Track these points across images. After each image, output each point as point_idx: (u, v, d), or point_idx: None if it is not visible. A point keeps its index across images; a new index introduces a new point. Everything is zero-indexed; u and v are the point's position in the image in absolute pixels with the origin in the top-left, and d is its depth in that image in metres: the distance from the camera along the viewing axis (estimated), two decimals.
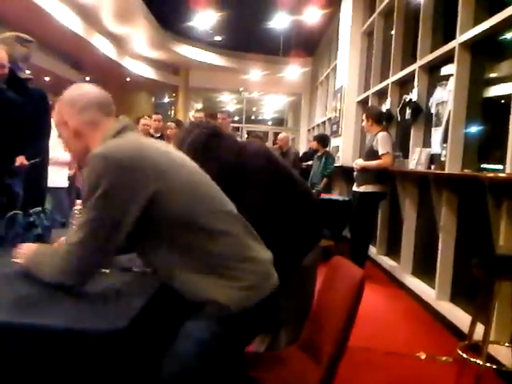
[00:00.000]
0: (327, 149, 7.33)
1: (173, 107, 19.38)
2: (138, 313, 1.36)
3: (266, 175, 2.21)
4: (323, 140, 7.30)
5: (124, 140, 1.47)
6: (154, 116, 6.16)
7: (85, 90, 1.58)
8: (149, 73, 16.19)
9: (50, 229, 2.18)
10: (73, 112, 1.51)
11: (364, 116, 5.09)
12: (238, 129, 15.90)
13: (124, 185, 1.36)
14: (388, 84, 5.88)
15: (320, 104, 11.87)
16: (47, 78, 12.95)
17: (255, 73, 15.25)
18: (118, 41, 13.66)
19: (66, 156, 4.86)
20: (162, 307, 1.65)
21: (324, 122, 10.52)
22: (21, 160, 3.21)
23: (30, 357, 1.23)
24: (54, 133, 4.73)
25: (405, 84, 5.53)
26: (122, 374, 1.24)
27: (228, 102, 20.62)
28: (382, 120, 5.09)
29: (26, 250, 1.62)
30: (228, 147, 2.24)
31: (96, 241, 1.39)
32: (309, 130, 13.79)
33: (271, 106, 21.27)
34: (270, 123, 22.82)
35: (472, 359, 2.57)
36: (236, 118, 17.38)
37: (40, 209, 2.19)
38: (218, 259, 1.42)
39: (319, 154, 7.14)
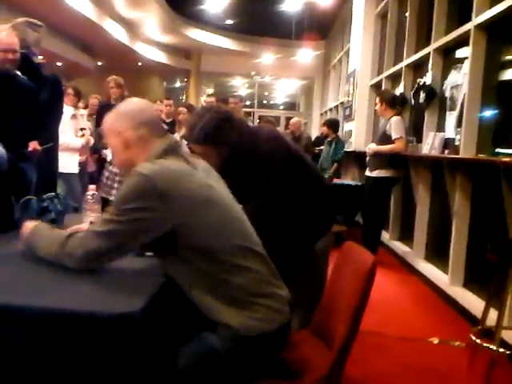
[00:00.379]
0: (338, 134, 7.29)
1: (184, 92, 19.36)
2: (151, 297, 1.37)
3: (278, 160, 2.20)
4: (333, 125, 7.27)
5: (168, 166, 1.49)
6: (165, 101, 6.14)
7: (144, 107, 1.63)
8: (160, 57, 16.15)
9: (64, 213, 2.20)
10: (129, 125, 1.56)
11: (378, 99, 5.03)
12: (249, 114, 15.84)
13: (155, 209, 1.42)
14: (402, 67, 5.80)
15: (333, 88, 11.76)
16: (59, 63, 12.97)
17: (267, 56, 15.13)
18: (129, 25, 13.63)
19: (77, 142, 4.89)
20: (175, 292, 1.66)
21: (336, 107, 10.44)
22: (34, 145, 3.23)
23: (43, 341, 1.24)
24: (65, 118, 4.77)
25: (419, 67, 5.45)
26: (135, 358, 1.25)
27: (240, 86, 20.53)
28: (396, 104, 5.03)
29: (27, 229, 1.68)
30: (240, 132, 2.23)
31: (111, 242, 1.46)
32: (321, 115, 13.69)
33: (283, 90, 21.14)
34: (281, 107, 22.71)
35: (485, 344, 2.57)
36: (248, 103, 17.32)
37: (53, 194, 2.21)
38: (236, 290, 1.46)
39: (329, 139, 7.12)
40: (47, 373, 1.25)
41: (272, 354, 1.54)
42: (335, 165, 6.86)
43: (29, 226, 1.70)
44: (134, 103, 1.66)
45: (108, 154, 4.81)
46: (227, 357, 1.46)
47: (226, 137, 2.16)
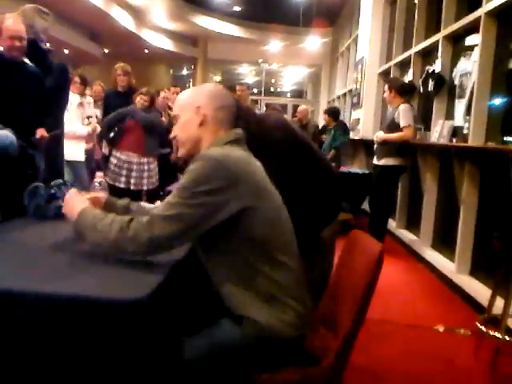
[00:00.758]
0: (339, 121, 7.28)
1: (191, 79, 19.30)
2: (160, 283, 1.38)
3: (286, 148, 2.20)
4: (334, 113, 7.27)
5: (235, 152, 1.51)
6: (173, 88, 6.12)
7: (227, 94, 1.66)
8: (167, 45, 16.09)
9: None
10: (212, 104, 1.57)
11: (386, 87, 4.99)
12: (256, 101, 15.78)
13: (224, 192, 1.41)
14: (410, 55, 5.75)
15: (340, 75, 11.68)
16: (66, 51, 12.96)
17: (274, 44, 15.04)
18: (136, 12, 13.57)
19: (84, 130, 4.90)
20: (184, 277, 1.68)
21: (344, 94, 10.38)
22: (41, 132, 3.24)
23: (52, 325, 1.26)
24: (72, 107, 4.78)
25: (428, 55, 5.40)
26: (144, 343, 1.27)
27: (247, 73, 20.45)
28: (405, 92, 4.99)
29: (73, 205, 1.60)
30: (247, 120, 2.22)
31: (179, 226, 1.43)
32: (328, 102, 13.61)
33: (290, 77, 21.03)
34: (289, 95, 22.60)
35: (491, 332, 2.57)
36: (255, 91, 17.24)
37: (61, 181, 2.22)
38: (272, 286, 1.47)
39: (330, 127, 7.15)
40: (55, 358, 1.27)
41: (288, 357, 1.55)
42: (332, 151, 6.83)
43: (73, 203, 1.61)
44: (219, 87, 1.67)
45: (104, 148, 4.83)
46: (243, 351, 1.48)
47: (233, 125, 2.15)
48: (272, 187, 1.59)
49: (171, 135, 1.66)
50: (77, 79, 5.03)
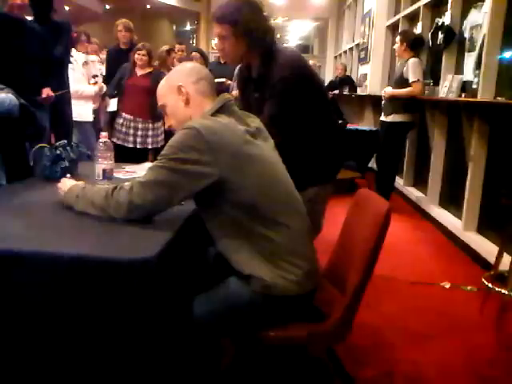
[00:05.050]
0: None
1: (194, 35, 18.92)
2: (168, 242, 1.39)
3: (288, 86, 2.05)
4: None
5: (218, 121, 1.52)
6: (178, 46, 6.01)
7: (200, 66, 1.76)
8: None
9: (77, 162, 2.20)
10: (189, 80, 1.62)
11: (398, 39, 4.86)
12: None
13: (203, 161, 1.43)
14: (419, 7, 5.57)
15: (347, 29, 11.39)
16: (67, 8, 12.68)
17: None
18: None
19: (91, 89, 4.83)
20: (192, 236, 1.68)
21: (351, 49, 10.15)
22: (47, 91, 3.21)
23: (59, 286, 1.27)
24: (77, 66, 4.71)
25: (437, 6, 5.24)
26: (154, 302, 1.28)
27: None
28: (417, 46, 4.87)
29: (64, 186, 1.70)
30: (263, 48, 2.10)
31: (158, 191, 1.48)
32: (335, 57, 13.34)
33: (296, 32, 20.57)
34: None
35: (497, 289, 2.59)
36: None
37: (66, 142, 2.21)
38: (271, 246, 1.49)
39: None
40: (63, 320, 1.28)
41: (295, 315, 1.57)
42: None
43: (67, 183, 1.71)
44: (190, 64, 1.78)
45: (111, 103, 4.78)
46: (251, 309, 1.51)
47: (247, 24, 2.03)
48: (265, 152, 1.57)
49: (166, 126, 1.70)
50: (84, 37, 4.95)
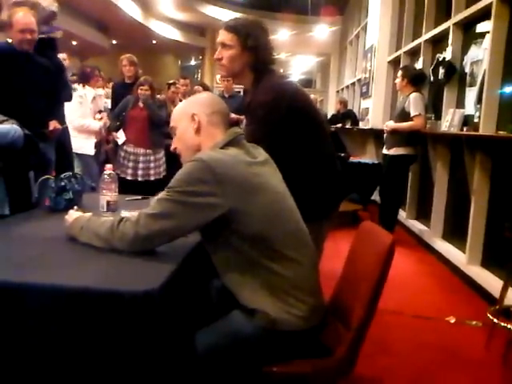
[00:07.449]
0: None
1: (199, 70, 19.24)
2: (171, 275, 1.38)
3: (265, 111, 2.00)
4: None
5: (227, 153, 1.53)
6: (182, 81, 6.10)
7: (218, 99, 1.76)
8: (175, 35, 16.03)
9: (81, 193, 2.22)
10: (204, 110, 1.64)
11: (399, 74, 4.94)
12: None
13: (211, 194, 1.44)
14: (420, 42, 5.67)
15: (349, 64, 11.58)
16: (74, 43, 12.96)
17: (283, 33, 14.91)
18: (144, 3, 13.53)
19: (96, 124, 4.89)
20: (196, 269, 1.68)
21: (353, 83, 10.29)
22: (54, 124, 3.25)
23: (60, 318, 1.26)
24: (86, 101, 4.78)
25: (438, 42, 5.33)
26: (156, 335, 1.27)
27: None
28: (418, 81, 4.94)
29: (70, 218, 1.71)
30: (260, 73, 2.09)
31: (164, 223, 1.48)
32: (337, 92, 13.52)
33: (299, 67, 20.91)
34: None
35: (502, 324, 2.55)
36: None
37: (71, 173, 2.22)
38: (278, 280, 1.48)
39: None
40: (65, 351, 1.27)
41: (300, 350, 1.55)
42: None
43: (73, 214, 1.73)
44: (208, 94, 1.83)
45: (120, 136, 4.82)
46: (254, 344, 1.49)
47: (256, 40, 2.03)
48: (272, 182, 1.58)
49: (172, 148, 1.71)
50: (96, 73, 5.06)
